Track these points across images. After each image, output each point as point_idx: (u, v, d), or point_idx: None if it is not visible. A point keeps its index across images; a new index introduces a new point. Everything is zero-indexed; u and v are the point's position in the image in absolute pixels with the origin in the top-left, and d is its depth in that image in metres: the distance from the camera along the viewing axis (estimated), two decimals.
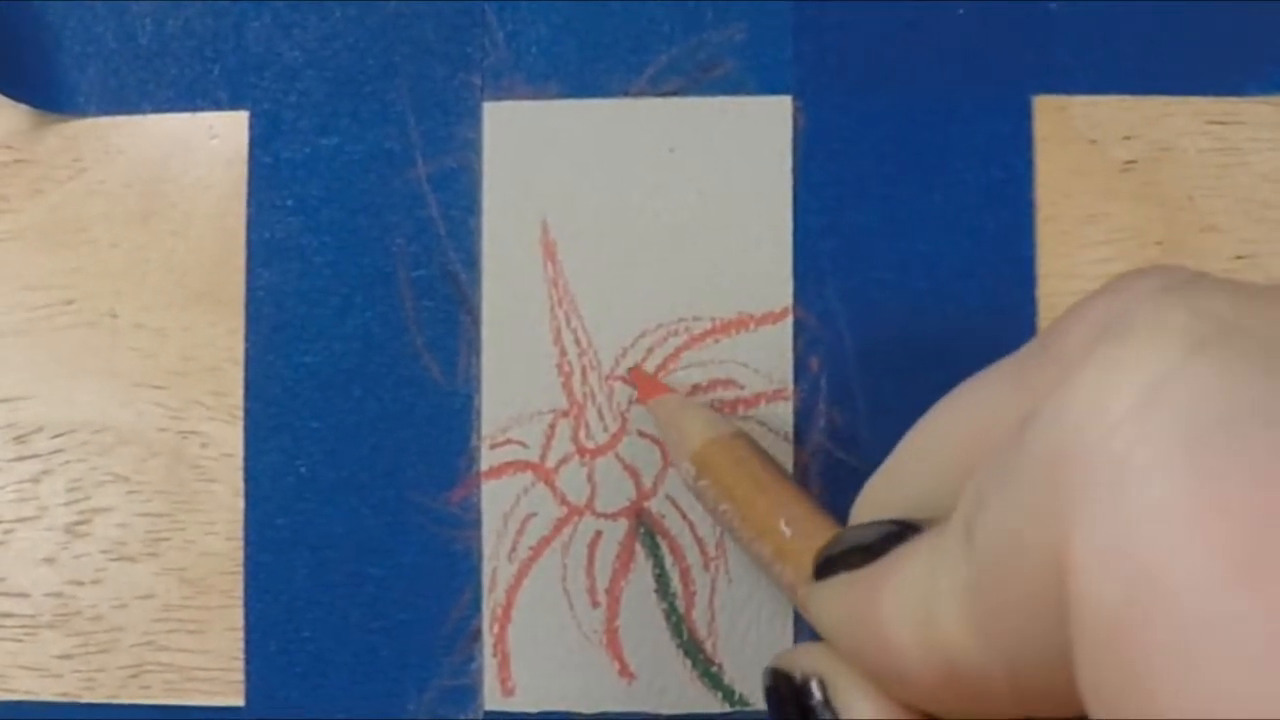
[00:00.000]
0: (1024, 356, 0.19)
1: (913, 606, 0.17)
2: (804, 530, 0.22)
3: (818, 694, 0.19)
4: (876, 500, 0.21)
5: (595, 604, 0.27)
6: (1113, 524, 0.13)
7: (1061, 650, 0.14)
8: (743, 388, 0.27)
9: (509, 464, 0.28)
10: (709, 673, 0.27)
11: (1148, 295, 0.16)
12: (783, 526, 0.23)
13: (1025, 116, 0.28)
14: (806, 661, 0.20)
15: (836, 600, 0.19)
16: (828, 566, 0.20)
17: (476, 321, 0.28)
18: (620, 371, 0.28)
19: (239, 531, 0.28)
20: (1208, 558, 0.12)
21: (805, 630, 0.27)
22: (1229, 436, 0.12)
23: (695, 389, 0.27)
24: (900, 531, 0.18)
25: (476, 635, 0.27)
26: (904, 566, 0.17)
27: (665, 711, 0.27)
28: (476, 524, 0.28)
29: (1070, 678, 0.14)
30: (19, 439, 0.29)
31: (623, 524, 0.27)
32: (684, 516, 0.27)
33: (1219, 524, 0.12)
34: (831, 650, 0.19)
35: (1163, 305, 0.14)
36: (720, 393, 0.27)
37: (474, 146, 0.28)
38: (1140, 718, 0.12)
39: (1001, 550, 0.15)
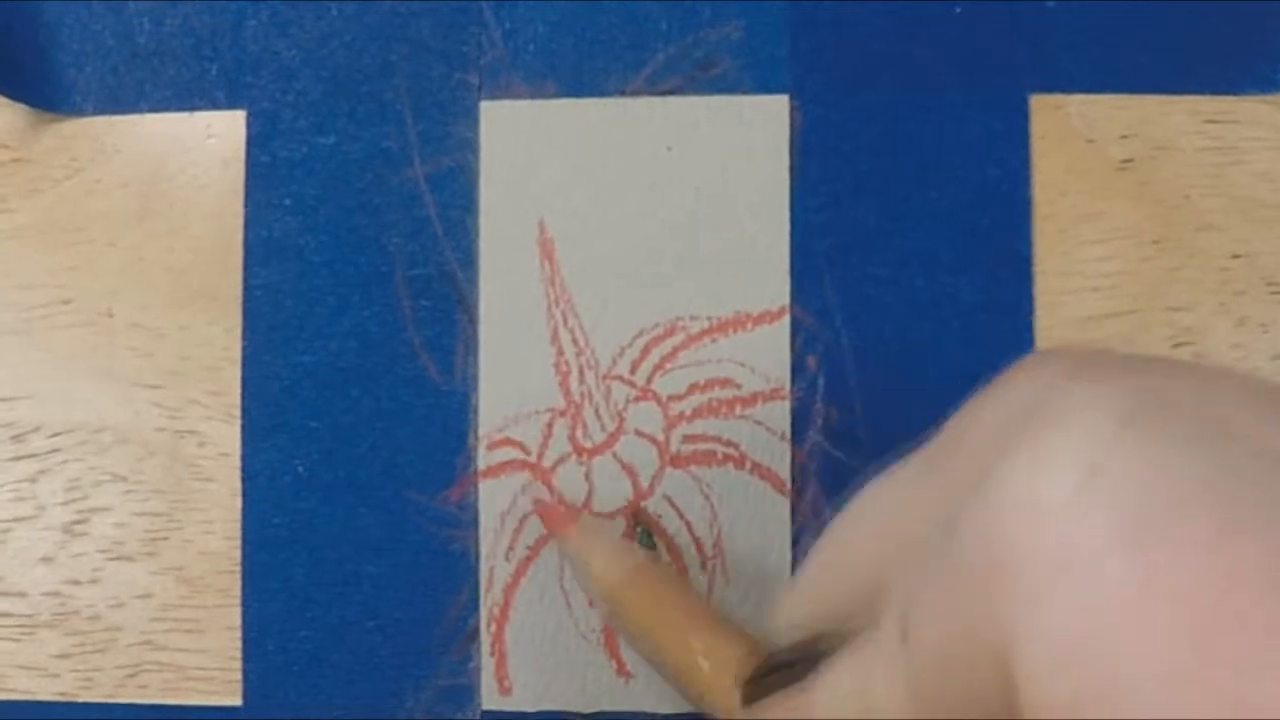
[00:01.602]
0: (927, 457, 0.18)
1: (849, 715, 0.17)
2: (722, 660, 0.23)
3: None
4: (796, 613, 0.21)
5: (592, 603, 0.27)
6: (1060, 620, 0.12)
7: None
8: (740, 387, 0.27)
9: (506, 463, 0.28)
10: None
11: (1063, 378, 0.16)
12: (701, 661, 0.23)
13: (1022, 115, 0.28)
14: None
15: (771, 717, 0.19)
16: (754, 691, 0.20)
17: (474, 321, 0.28)
18: (618, 371, 0.28)
19: (236, 531, 0.28)
20: (1160, 648, 0.12)
21: None
22: (1169, 519, 0.12)
23: (692, 388, 0.27)
24: (823, 648, 0.18)
25: (474, 634, 0.27)
26: (834, 681, 0.18)
27: (662, 711, 0.27)
28: (474, 523, 0.28)
29: None
30: (16, 438, 0.29)
31: (620, 523, 0.27)
32: (681, 516, 0.27)
33: (1168, 613, 0.12)
34: None
35: (1083, 385, 0.14)
36: (717, 392, 0.27)
37: (471, 146, 0.28)
38: None
39: (942, 651, 0.15)
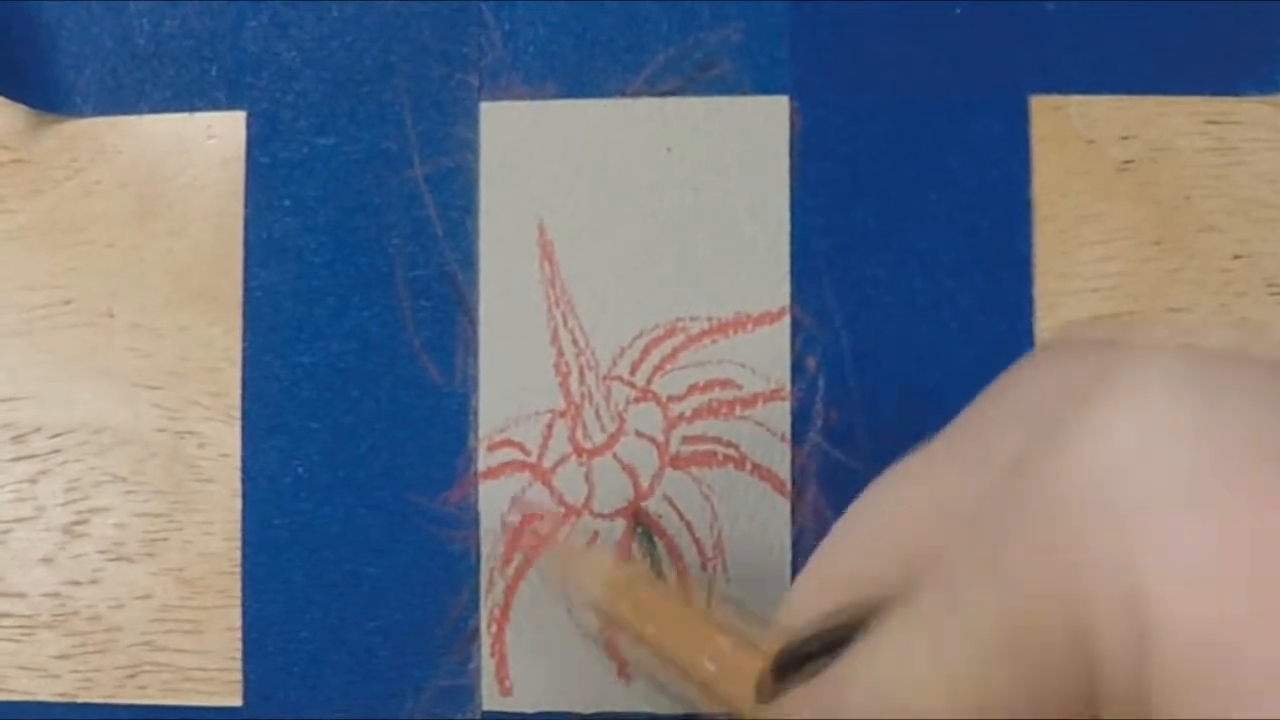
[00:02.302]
0: (955, 436, 0.18)
1: (889, 698, 0.16)
2: (730, 660, 0.22)
3: None
4: (809, 601, 0.20)
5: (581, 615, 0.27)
6: (1191, 548, 0.13)
7: (1079, 691, 0.14)
8: (740, 388, 0.27)
9: (506, 464, 0.28)
10: None
11: (1116, 349, 0.16)
12: (706, 663, 0.23)
13: (1022, 116, 0.28)
14: None
15: (798, 714, 0.18)
16: (773, 686, 0.19)
17: (473, 322, 0.28)
18: (618, 372, 0.28)
19: (236, 532, 0.28)
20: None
21: None
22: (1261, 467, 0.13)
23: (692, 389, 0.27)
24: (845, 635, 0.18)
25: (474, 635, 0.27)
26: (868, 668, 0.17)
27: (663, 712, 0.27)
28: (474, 524, 0.28)
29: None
30: (17, 439, 0.29)
31: (620, 524, 0.27)
32: (681, 517, 0.27)
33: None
34: None
35: (1142, 353, 0.14)
36: (718, 393, 0.27)
37: (471, 146, 0.28)
38: None
39: (1011, 613, 0.14)
